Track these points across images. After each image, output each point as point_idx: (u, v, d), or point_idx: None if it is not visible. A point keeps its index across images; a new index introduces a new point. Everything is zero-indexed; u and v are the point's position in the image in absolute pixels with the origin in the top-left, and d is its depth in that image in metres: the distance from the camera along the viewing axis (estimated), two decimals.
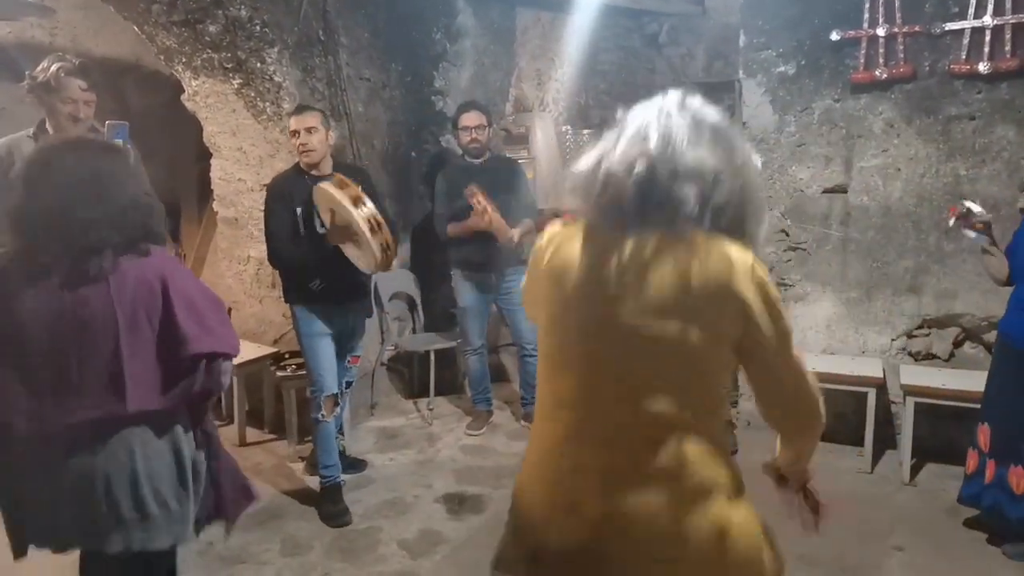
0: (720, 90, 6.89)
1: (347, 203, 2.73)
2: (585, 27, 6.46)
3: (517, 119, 6.10)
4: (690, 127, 1.23)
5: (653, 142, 1.22)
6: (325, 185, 2.84)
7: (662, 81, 7.61)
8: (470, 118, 3.81)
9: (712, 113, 1.27)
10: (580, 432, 1.26)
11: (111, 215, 1.67)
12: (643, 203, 1.21)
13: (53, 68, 2.67)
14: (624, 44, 7.62)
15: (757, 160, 1.29)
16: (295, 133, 3.05)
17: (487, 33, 5.09)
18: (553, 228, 1.38)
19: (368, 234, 2.71)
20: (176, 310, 1.70)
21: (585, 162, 1.32)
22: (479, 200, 3.59)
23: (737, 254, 1.19)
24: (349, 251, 2.96)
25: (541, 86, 6.82)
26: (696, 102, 1.27)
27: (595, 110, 7.68)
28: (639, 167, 1.21)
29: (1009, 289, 2.74)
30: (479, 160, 3.90)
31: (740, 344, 1.22)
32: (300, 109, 3.15)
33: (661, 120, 1.24)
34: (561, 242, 1.33)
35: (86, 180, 1.68)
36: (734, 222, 1.23)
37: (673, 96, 1.28)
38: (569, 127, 6.84)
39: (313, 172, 3.07)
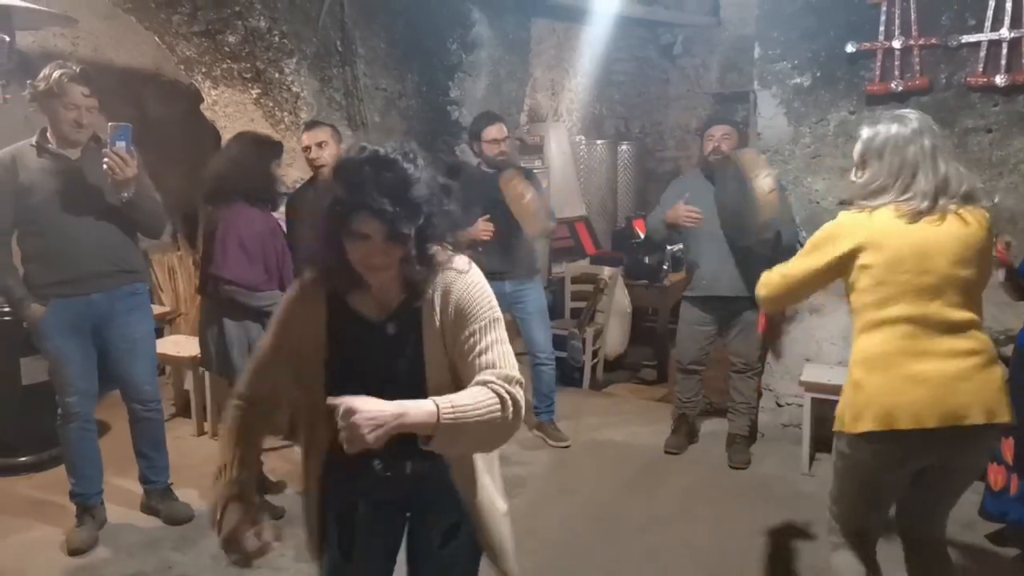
0: (734, 101, 6.92)
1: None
2: (600, 38, 6.50)
3: (532, 129, 6.13)
4: None
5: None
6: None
7: (676, 92, 7.63)
8: (496, 130, 3.75)
9: None
10: None
11: None
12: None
13: (55, 75, 2.66)
14: (638, 55, 7.65)
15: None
16: (307, 148, 3.13)
17: (502, 43, 5.12)
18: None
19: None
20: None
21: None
22: (516, 184, 3.56)
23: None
24: None
25: (555, 96, 6.85)
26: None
27: (609, 120, 7.71)
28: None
29: None
30: (496, 170, 3.91)
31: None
32: (311, 125, 3.22)
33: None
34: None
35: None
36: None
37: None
38: (583, 137, 6.86)
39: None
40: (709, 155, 3.54)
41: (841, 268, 1.96)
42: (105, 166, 2.59)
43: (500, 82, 5.18)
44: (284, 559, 2.87)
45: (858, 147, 2.00)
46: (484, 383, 1.35)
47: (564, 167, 6.12)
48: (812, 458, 3.56)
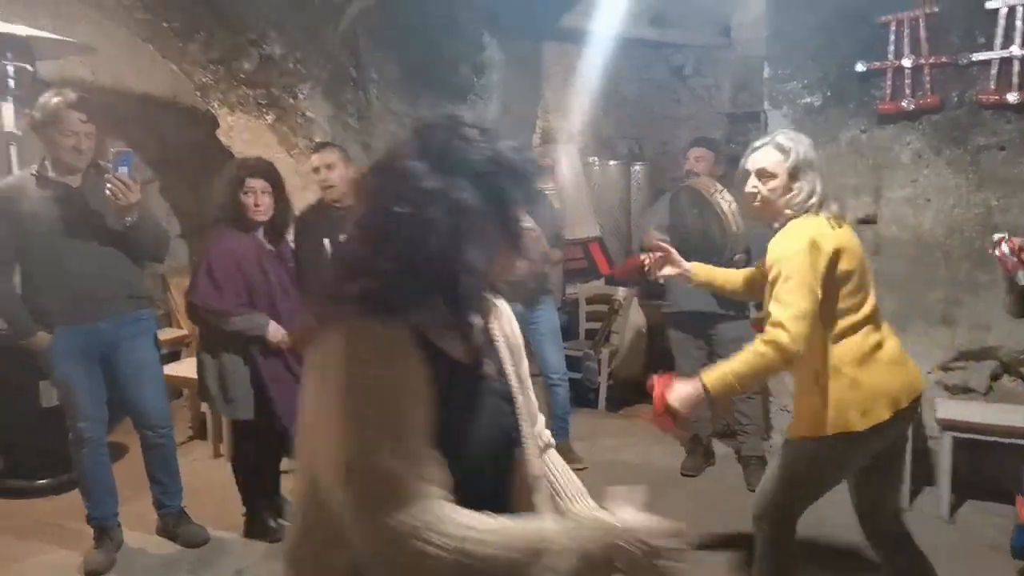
0: (745, 120, 6.91)
1: None
2: (610, 60, 6.53)
3: (544, 151, 6.16)
4: None
5: None
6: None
7: (687, 112, 7.65)
8: None
9: None
10: None
11: None
12: None
13: (52, 102, 2.70)
14: (649, 76, 7.68)
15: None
16: (316, 169, 3.16)
17: (514, 66, 5.17)
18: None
19: None
20: None
21: None
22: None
23: None
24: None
25: (567, 117, 6.89)
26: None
27: (621, 141, 7.73)
28: None
29: None
30: None
31: None
32: (320, 146, 3.27)
33: None
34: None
35: None
36: None
37: None
38: (596, 158, 6.88)
39: (336, 205, 3.17)
40: (686, 176, 3.63)
41: (829, 274, 1.99)
42: (108, 192, 2.61)
43: (512, 104, 5.22)
44: None
45: (790, 161, 2.07)
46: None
47: (576, 188, 6.14)
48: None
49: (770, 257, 2.02)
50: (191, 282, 2.98)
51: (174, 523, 3.13)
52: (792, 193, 2.07)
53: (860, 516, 2.25)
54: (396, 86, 4.38)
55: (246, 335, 2.93)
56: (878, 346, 2.06)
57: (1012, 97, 3.26)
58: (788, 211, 2.07)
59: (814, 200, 2.06)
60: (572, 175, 6.18)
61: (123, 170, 2.63)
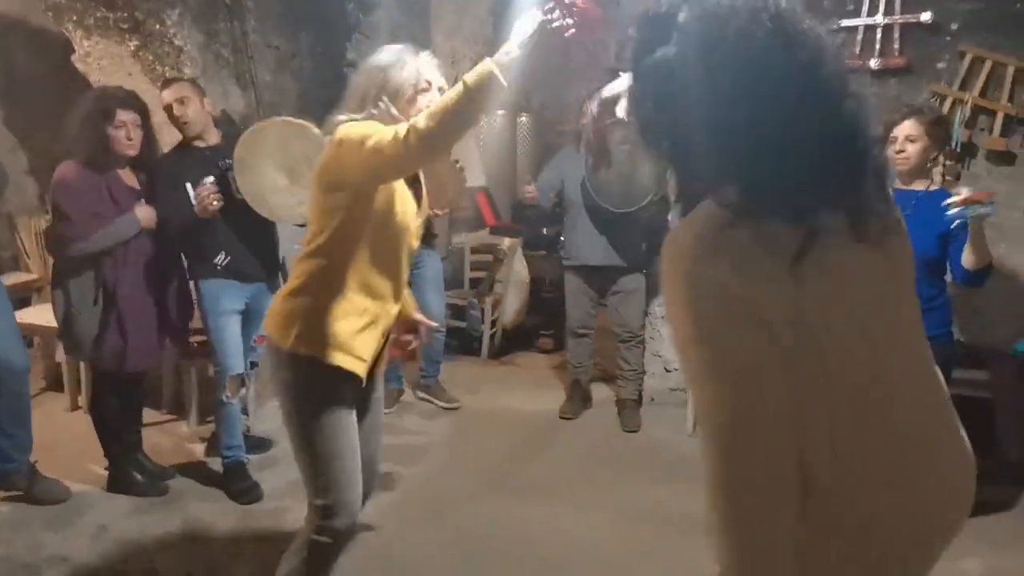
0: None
1: None
2: (502, 8, 6.44)
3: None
4: None
5: None
6: None
7: (575, 66, 7.69)
8: None
9: None
10: None
11: None
12: None
13: None
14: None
15: None
16: (168, 107, 2.94)
17: (401, 6, 5.00)
18: None
19: None
20: None
21: None
22: None
23: None
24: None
25: (456, 65, 6.75)
26: None
27: (510, 91, 7.68)
28: None
29: None
30: None
31: None
32: (167, 82, 3.04)
33: None
34: None
35: None
36: None
37: None
38: None
39: (198, 143, 2.97)
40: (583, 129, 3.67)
41: None
42: None
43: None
44: (171, 535, 2.75)
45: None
46: None
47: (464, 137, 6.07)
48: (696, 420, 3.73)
49: None
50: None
51: (27, 480, 2.90)
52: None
53: None
54: (275, 19, 4.13)
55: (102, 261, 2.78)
56: None
57: (873, 63, 3.47)
58: None
59: None
60: None
61: None
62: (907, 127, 2.61)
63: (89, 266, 2.82)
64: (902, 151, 2.61)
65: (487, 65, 1.56)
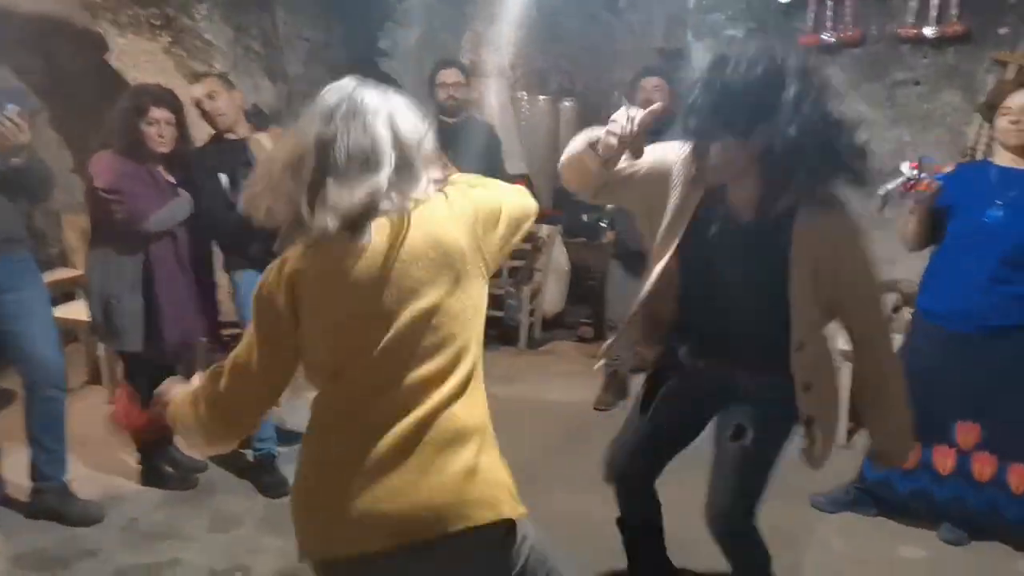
0: (678, 57, 6.81)
1: None
2: None
3: (468, 83, 5.94)
4: None
5: None
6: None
7: (621, 48, 7.49)
8: (449, 75, 3.77)
9: None
10: None
11: None
12: None
13: None
14: (584, 9, 7.47)
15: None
16: (199, 102, 2.94)
17: None
18: None
19: None
20: None
21: None
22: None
23: None
24: None
25: (499, 51, 6.66)
26: None
27: (554, 76, 7.54)
28: None
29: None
30: (453, 119, 3.78)
31: None
32: (195, 77, 3.04)
33: None
34: None
35: None
36: None
37: None
38: (525, 93, 6.70)
39: (230, 136, 2.97)
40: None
41: None
42: None
43: (435, 33, 4.99)
44: (197, 528, 2.77)
45: None
46: None
47: (504, 123, 5.97)
48: None
49: None
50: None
51: (57, 500, 2.76)
52: None
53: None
54: (306, 9, 4.11)
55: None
56: None
57: (929, 31, 3.24)
58: None
59: None
60: (500, 110, 6.00)
61: (11, 108, 2.39)
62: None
63: (127, 253, 2.83)
64: (1018, 121, 2.34)
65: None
